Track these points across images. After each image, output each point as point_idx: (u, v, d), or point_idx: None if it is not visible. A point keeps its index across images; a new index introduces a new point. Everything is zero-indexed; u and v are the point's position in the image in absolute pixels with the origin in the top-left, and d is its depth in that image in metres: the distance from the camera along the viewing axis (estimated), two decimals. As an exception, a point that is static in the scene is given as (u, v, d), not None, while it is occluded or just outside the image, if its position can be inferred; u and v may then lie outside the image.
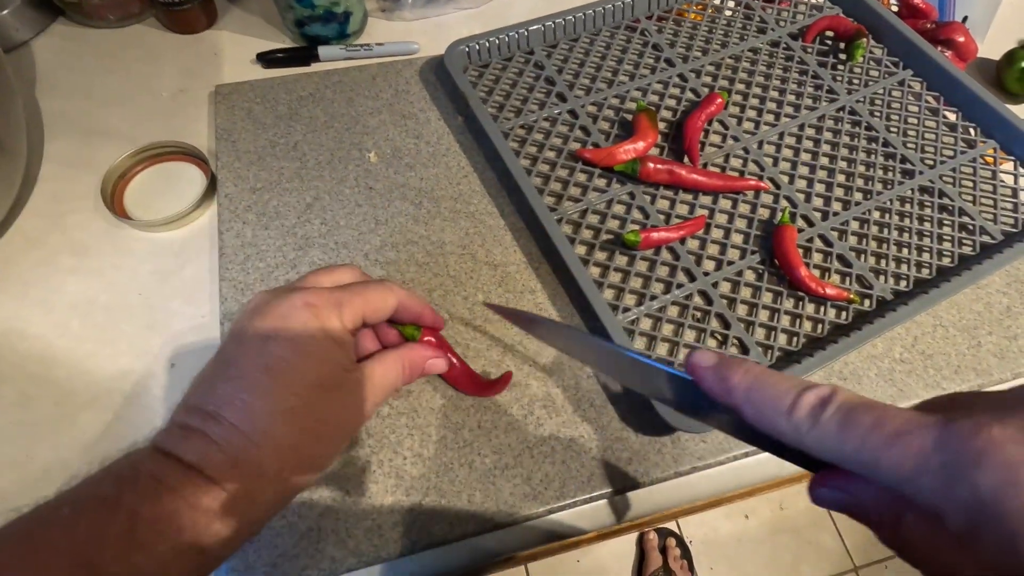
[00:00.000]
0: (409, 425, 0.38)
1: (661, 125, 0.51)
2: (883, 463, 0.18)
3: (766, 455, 0.39)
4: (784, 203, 0.47)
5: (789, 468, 0.39)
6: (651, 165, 0.45)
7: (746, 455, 0.39)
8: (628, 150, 0.47)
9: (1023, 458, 0.16)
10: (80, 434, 0.38)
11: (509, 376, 0.39)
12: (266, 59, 0.55)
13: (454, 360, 0.37)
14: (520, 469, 0.37)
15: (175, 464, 0.24)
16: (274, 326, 0.27)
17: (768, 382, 0.21)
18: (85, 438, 0.38)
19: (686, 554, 1.23)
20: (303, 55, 0.55)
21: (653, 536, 1.24)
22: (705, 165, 0.49)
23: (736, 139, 0.50)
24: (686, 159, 0.48)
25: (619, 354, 0.27)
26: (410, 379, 0.33)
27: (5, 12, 0.52)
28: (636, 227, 0.45)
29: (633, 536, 1.27)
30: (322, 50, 0.55)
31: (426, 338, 0.35)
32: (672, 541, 1.23)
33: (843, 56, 0.56)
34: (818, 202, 0.47)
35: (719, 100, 0.50)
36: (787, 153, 0.50)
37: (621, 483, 0.37)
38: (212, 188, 0.47)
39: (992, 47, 0.61)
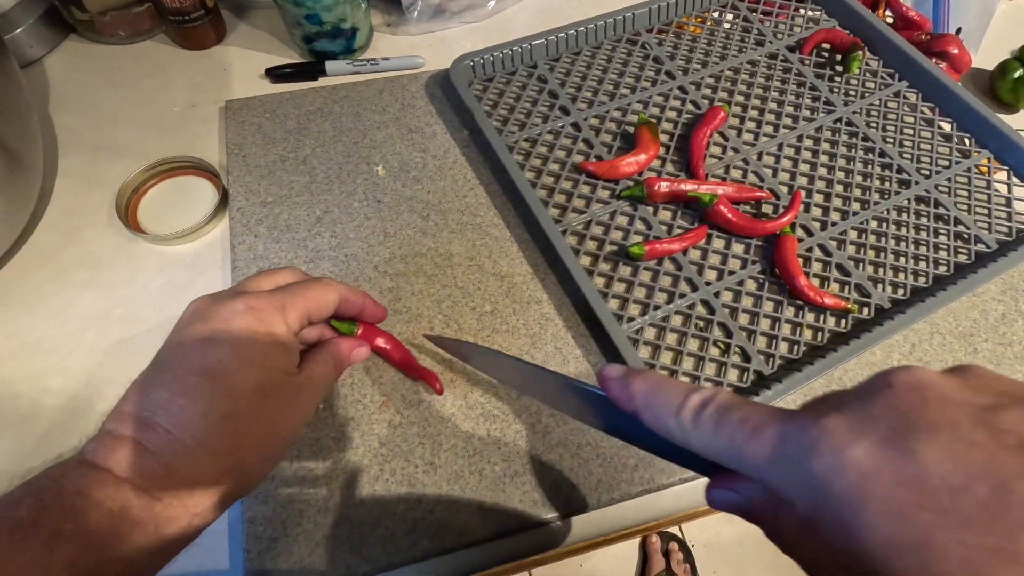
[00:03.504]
0: (420, 434, 0.39)
1: (663, 137, 0.52)
2: (746, 455, 0.19)
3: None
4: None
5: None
6: (656, 187, 0.46)
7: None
8: (631, 163, 0.49)
9: (849, 443, 0.16)
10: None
11: (432, 378, 0.40)
12: (274, 74, 0.56)
13: (387, 345, 0.39)
14: (529, 476, 0.38)
15: (104, 476, 0.23)
16: (214, 329, 0.27)
17: (663, 387, 0.23)
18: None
19: (689, 558, 1.24)
20: (310, 70, 0.56)
21: (656, 540, 1.24)
22: (706, 176, 0.50)
23: (736, 150, 0.51)
24: (683, 174, 0.49)
25: (546, 376, 0.29)
26: (339, 374, 0.33)
27: (19, 30, 0.53)
28: (640, 239, 0.46)
29: (636, 540, 1.27)
30: (329, 65, 0.56)
31: (361, 332, 0.36)
32: (675, 545, 1.24)
33: (839, 68, 0.57)
34: (817, 212, 0.48)
35: (722, 114, 0.51)
36: (786, 164, 0.51)
37: (627, 489, 0.38)
38: (224, 202, 0.48)
39: (985, 58, 0.62)
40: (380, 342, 0.39)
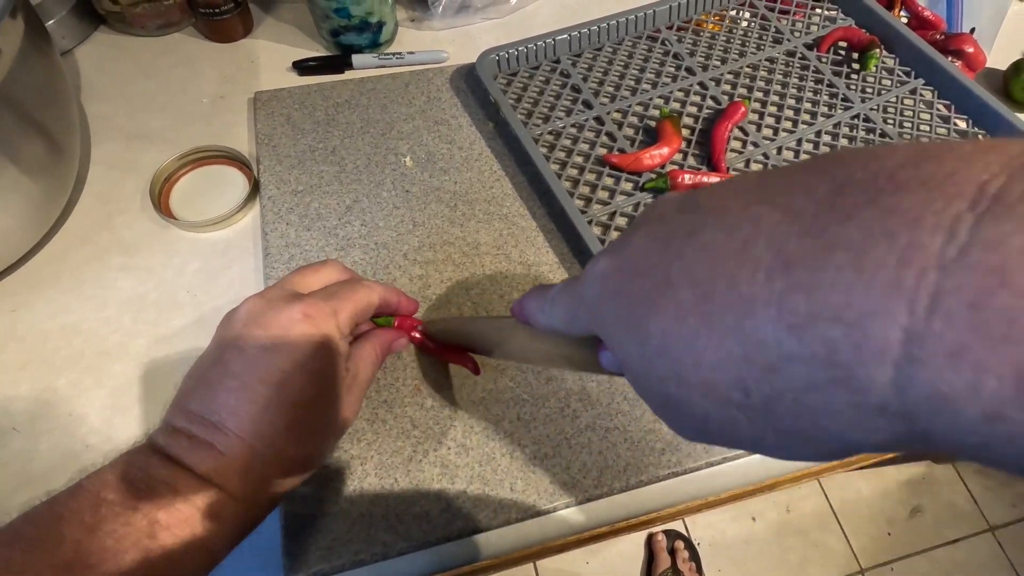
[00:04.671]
0: (452, 417, 0.40)
1: (684, 132, 0.53)
2: (570, 317, 0.23)
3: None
4: (804, 206, 0.49)
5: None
6: (680, 180, 0.47)
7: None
8: (654, 155, 0.49)
9: (597, 261, 0.20)
10: (135, 425, 0.40)
11: (468, 361, 0.39)
12: (301, 67, 0.57)
13: (418, 336, 0.39)
14: (559, 459, 0.39)
15: (187, 474, 0.26)
16: (274, 337, 0.28)
17: (533, 294, 0.27)
18: (140, 430, 0.40)
19: (694, 556, 1.25)
20: (337, 63, 0.57)
21: (662, 537, 1.25)
22: (728, 170, 0.51)
23: (756, 145, 0.52)
24: (704, 167, 0.50)
25: (481, 322, 0.36)
26: (381, 365, 0.35)
27: (51, 22, 0.54)
28: (663, 229, 0.47)
29: (642, 537, 1.28)
30: (356, 58, 0.57)
31: (397, 323, 0.38)
32: (680, 543, 1.25)
33: (856, 66, 0.58)
34: (836, 206, 0.49)
35: (743, 109, 0.52)
36: (805, 158, 0.52)
37: (655, 473, 0.39)
38: (255, 191, 0.49)
39: (998, 58, 0.63)
40: (415, 332, 0.39)
